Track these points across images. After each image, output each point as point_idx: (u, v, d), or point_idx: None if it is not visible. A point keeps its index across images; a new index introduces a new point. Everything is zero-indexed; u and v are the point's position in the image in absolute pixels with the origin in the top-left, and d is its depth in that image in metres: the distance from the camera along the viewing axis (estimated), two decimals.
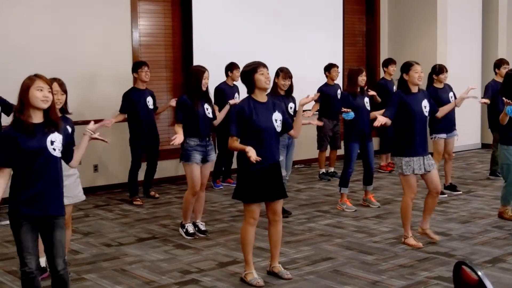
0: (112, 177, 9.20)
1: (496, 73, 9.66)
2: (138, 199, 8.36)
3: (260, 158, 4.87)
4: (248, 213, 5.10)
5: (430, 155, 6.20)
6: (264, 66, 5.08)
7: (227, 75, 9.16)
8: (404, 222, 6.24)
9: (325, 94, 9.73)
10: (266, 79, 5.03)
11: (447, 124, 8.30)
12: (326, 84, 9.90)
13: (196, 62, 9.60)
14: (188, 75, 6.69)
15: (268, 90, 5.39)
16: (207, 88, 6.59)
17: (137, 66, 8.44)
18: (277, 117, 5.10)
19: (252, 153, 4.85)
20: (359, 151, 7.82)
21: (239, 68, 9.16)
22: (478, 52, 13.17)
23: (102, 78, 9.06)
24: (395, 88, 10.29)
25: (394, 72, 10.34)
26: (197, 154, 6.51)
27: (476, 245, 6.20)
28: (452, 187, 8.70)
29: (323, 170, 10.07)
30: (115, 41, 9.19)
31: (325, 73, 9.93)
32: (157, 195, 8.66)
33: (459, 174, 10.14)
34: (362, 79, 7.78)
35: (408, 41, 12.49)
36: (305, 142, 10.90)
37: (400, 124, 6.09)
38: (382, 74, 11.46)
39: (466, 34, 12.83)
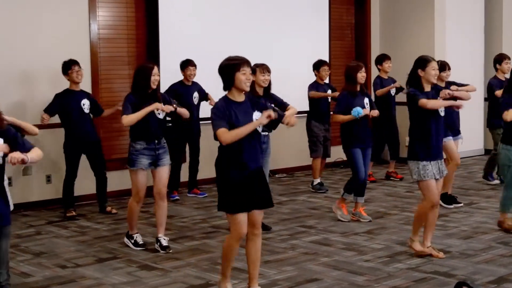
0: None
1: (496, 70, 9.79)
2: (72, 211, 8.40)
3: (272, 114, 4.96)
4: (234, 226, 5.09)
5: (443, 160, 6.42)
6: (249, 65, 5.09)
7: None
8: (415, 225, 6.41)
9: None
10: (247, 80, 5.05)
11: (452, 125, 8.40)
12: (315, 83, 9.94)
13: (163, 58, 9.63)
14: (135, 73, 6.81)
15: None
16: (158, 86, 6.72)
17: (66, 67, 8.43)
18: (257, 116, 5.12)
19: (268, 113, 4.90)
20: None
21: (194, 65, 9.28)
22: (480, 47, 13.30)
23: (56, 77, 8.99)
24: (394, 87, 10.38)
25: (390, 69, 10.43)
26: (144, 158, 6.63)
27: (479, 263, 6.25)
28: (452, 199, 8.76)
29: (319, 180, 10.00)
30: (70, 34, 9.16)
31: (313, 71, 9.97)
32: (114, 211, 8.65)
33: (460, 183, 10.22)
34: (361, 76, 7.83)
35: (402, 35, 12.57)
36: (286, 149, 10.93)
37: (416, 125, 6.30)
38: (373, 72, 11.57)
39: (466, 26, 12.94)
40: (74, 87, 8.44)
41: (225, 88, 5.14)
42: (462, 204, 8.73)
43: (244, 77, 5.03)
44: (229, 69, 5.06)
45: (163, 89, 8.92)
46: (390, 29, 12.75)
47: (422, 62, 6.31)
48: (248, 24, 10.80)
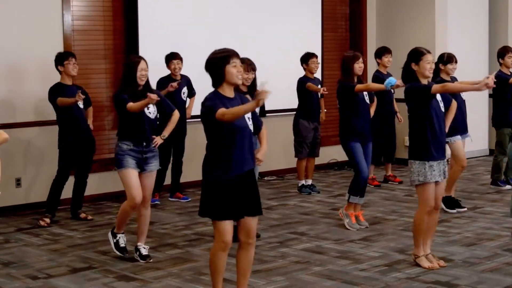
0: (39, 193, 9.10)
1: (500, 64, 9.84)
2: (48, 219, 8.34)
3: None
4: (219, 233, 5.06)
5: (446, 161, 6.42)
6: (238, 56, 5.08)
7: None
8: (416, 237, 6.35)
9: (304, 89, 9.78)
10: (238, 72, 5.05)
11: (459, 123, 8.41)
12: (305, 78, 9.94)
13: (142, 51, 9.60)
14: (124, 68, 6.79)
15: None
16: (147, 82, 6.68)
17: (62, 58, 8.37)
18: (248, 114, 5.12)
19: (263, 93, 4.75)
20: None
21: (179, 58, 9.25)
22: (484, 38, 13.34)
23: (26, 72, 8.97)
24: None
25: (390, 63, 10.43)
26: (131, 159, 6.59)
27: (483, 272, 6.27)
28: (455, 203, 8.76)
29: (303, 182, 10.13)
30: (41, 25, 9.12)
31: (302, 64, 9.97)
32: (89, 217, 8.61)
33: (463, 186, 10.25)
34: (359, 67, 7.84)
35: (400, 26, 12.58)
36: (276, 150, 10.93)
37: (417, 123, 6.27)
38: (369, 66, 11.57)
39: (469, 17, 12.97)
40: (67, 81, 8.37)
41: (214, 85, 5.11)
42: (465, 209, 8.74)
43: (235, 70, 5.03)
44: (218, 63, 5.05)
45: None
46: (388, 20, 12.76)
47: (415, 55, 6.28)
48: (234, 14, 10.79)
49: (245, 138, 5.08)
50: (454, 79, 8.56)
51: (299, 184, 10.16)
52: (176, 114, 6.92)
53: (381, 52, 10.54)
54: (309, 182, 10.22)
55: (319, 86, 9.99)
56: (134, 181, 6.57)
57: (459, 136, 8.50)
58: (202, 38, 10.00)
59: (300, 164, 10.07)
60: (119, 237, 6.85)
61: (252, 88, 7.41)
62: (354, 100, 7.80)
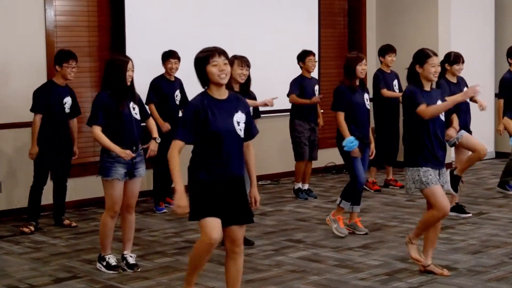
0: (20, 199, 9.09)
1: (510, 64, 9.84)
2: (32, 226, 8.33)
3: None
4: (204, 230, 5.03)
5: (445, 170, 6.40)
6: (221, 54, 5.07)
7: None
8: (419, 228, 6.40)
9: (301, 88, 9.81)
10: (220, 71, 5.02)
11: (463, 125, 8.44)
12: (301, 77, 9.96)
13: (129, 49, 9.59)
14: (108, 67, 6.76)
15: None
16: (132, 83, 6.69)
17: (62, 58, 8.30)
18: (240, 118, 5.12)
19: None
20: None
21: (177, 57, 9.20)
22: (490, 35, 13.37)
23: (6, 71, 8.96)
24: (396, 83, 10.42)
25: (393, 63, 10.45)
26: (120, 167, 6.56)
27: (489, 281, 6.28)
28: (459, 208, 8.80)
29: (300, 185, 10.12)
30: (22, 21, 9.10)
31: (298, 63, 10.00)
32: (73, 224, 8.61)
33: (468, 190, 10.28)
34: (362, 69, 7.85)
35: (401, 22, 12.60)
36: (271, 152, 10.94)
37: (413, 128, 6.26)
38: (369, 65, 11.57)
39: (475, 12, 13.00)
40: (60, 82, 8.35)
41: (203, 85, 5.14)
42: (470, 215, 8.77)
43: (215, 69, 5.01)
44: (200, 63, 5.07)
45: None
46: (388, 16, 12.78)
47: (420, 56, 6.28)
48: (227, 10, 10.79)
49: (232, 143, 5.08)
50: (460, 80, 8.57)
51: (296, 187, 10.15)
52: (151, 121, 7.06)
53: (385, 50, 10.53)
54: (306, 186, 10.23)
55: (316, 86, 10.02)
56: (118, 192, 6.61)
57: (463, 131, 8.50)
58: (193, 35, 9.98)
59: (299, 165, 10.06)
60: (108, 258, 6.73)
61: (245, 85, 7.40)
62: (352, 106, 7.80)
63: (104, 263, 6.73)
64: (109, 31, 9.96)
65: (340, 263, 6.90)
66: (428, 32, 12.19)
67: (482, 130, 12.77)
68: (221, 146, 5.02)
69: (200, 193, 5.05)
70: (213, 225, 5.02)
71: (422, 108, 6.12)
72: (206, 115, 4.99)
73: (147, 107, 8.54)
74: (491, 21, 13.36)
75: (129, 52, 9.49)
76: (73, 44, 9.59)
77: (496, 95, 10.79)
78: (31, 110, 8.25)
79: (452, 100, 6.45)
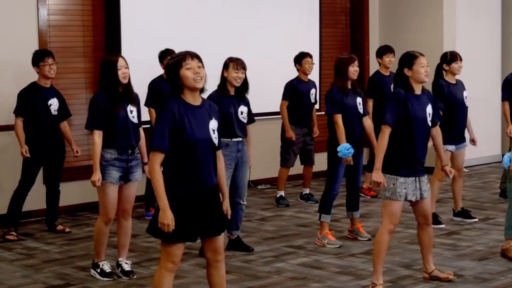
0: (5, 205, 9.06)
1: None
2: (13, 233, 8.32)
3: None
4: (166, 254, 4.99)
5: (426, 176, 6.28)
6: (193, 57, 4.95)
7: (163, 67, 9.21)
8: (375, 262, 6.17)
9: (295, 91, 9.80)
10: (195, 74, 4.90)
11: (459, 132, 8.41)
12: (298, 79, 9.97)
13: (125, 48, 9.61)
14: (101, 69, 6.74)
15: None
16: (129, 83, 6.65)
17: (38, 57, 8.34)
18: (214, 126, 5.03)
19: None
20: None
21: None
22: (496, 37, 13.38)
23: None
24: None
25: (392, 64, 10.45)
26: (114, 170, 6.56)
27: None
28: (464, 213, 8.80)
29: (282, 193, 10.13)
30: (14, 21, 9.11)
31: (295, 65, 10.00)
32: (67, 229, 8.62)
33: (473, 195, 10.28)
34: (354, 70, 7.82)
35: (404, 22, 12.62)
36: (268, 156, 10.93)
37: (397, 134, 6.13)
38: (371, 66, 11.60)
39: (480, 11, 13.01)
40: (43, 83, 8.36)
41: (176, 93, 4.99)
42: (476, 219, 8.77)
43: (189, 73, 4.89)
44: (172, 67, 4.96)
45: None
46: (391, 15, 12.81)
47: (407, 59, 6.19)
48: (223, 8, 10.82)
49: (207, 152, 4.97)
50: (460, 83, 8.56)
51: (277, 195, 10.14)
52: (142, 143, 6.97)
53: (382, 51, 10.51)
54: (307, 191, 10.25)
55: (313, 89, 10.01)
56: (112, 197, 6.59)
57: (453, 146, 8.36)
58: (190, 34, 10.00)
59: (283, 172, 10.08)
60: (102, 265, 6.73)
61: (241, 89, 7.36)
62: (343, 109, 7.76)
63: (98, 270, 6.72)
64: (103, 30, 9.96)
65: (343, 270, 6.91)
66: (432, 31, 12.20)
67: (488, 133, 12.78)
68: (197, 156, 4.90)
69: (177, 214, 4.87)
70: (177, 253, 4.98)
71: (385, 129, 6.05)
72: (182, 123, 4.86)
73: (146, 109, 8.57)
74: (497, 22, 13.37)
75: (124, 52, 9.49)
76: (67, 44, 9.63)
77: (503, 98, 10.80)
78: (13, 112, 8.30)
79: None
